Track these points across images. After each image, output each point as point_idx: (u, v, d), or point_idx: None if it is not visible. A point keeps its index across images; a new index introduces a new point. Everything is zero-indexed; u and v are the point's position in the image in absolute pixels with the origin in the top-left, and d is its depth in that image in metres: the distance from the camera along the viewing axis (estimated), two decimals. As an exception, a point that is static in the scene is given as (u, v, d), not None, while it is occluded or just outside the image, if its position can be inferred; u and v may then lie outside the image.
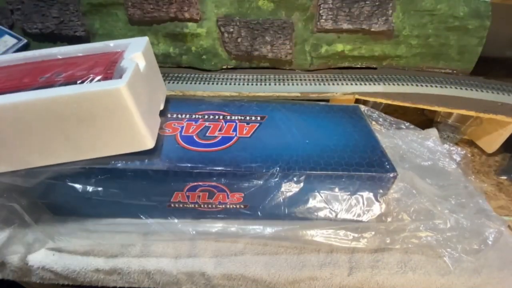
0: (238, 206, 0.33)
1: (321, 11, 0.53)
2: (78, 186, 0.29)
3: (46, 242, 0.31)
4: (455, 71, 0.58)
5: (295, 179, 0.30)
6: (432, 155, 0.43)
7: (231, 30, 0.53)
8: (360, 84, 0.52)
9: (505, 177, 0.48)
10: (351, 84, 0.52)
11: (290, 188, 0.31)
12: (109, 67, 0.28)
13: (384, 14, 0.52)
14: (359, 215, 0.34)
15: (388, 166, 0.31)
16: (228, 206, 0.33)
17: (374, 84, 0.52)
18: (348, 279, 0.32)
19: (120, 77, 0.26)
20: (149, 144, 0.29)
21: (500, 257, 0.33)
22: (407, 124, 0.44)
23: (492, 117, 0.46)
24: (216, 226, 0.33)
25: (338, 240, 0.32)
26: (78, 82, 0.26)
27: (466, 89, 0.52)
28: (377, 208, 0.33)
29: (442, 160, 0.42)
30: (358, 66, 0.58)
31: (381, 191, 0.32)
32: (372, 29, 0.53)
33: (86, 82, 0.26)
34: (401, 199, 0.34)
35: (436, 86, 0.52)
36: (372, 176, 0.31)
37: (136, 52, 0.30)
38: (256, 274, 0.31)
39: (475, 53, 0.55)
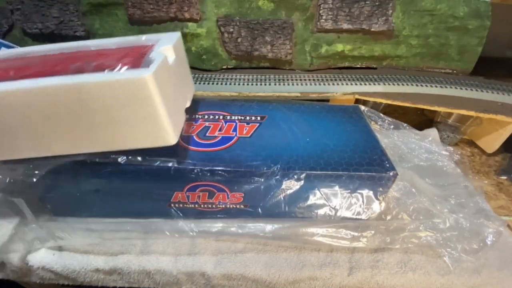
0: (238, 206, 0.33)
1: (321, 11, 0.53)
2: (78, 180, 0.29)
3: (46, 241, 0.31)
4: (455, 71, 0.58)
5: (295, 177, 0.30)
6: (431, 155, 0.43)
7: (231, 30, 0.54)
8: (360, 84, 0.52)
9: (505, 177, 0.48)
10: (351, 84, 0.52)
11: (290, 188, 0.31)
12: (138, 58, 0.28)
13: (384, 14, 0.52)
14: (359, 214, 0.34)
15: (388, 165, 0.31)
16: (228, 206, 0.33)
17: (374, 84, 0.52)
18: (348, 279, 0.32)
19: (148, 67, 0.25)
20: (172, 140, 0.27)
21: (500, 257, 0.33)
22: (405, 125, 0.44)
23: (492, 117, 0.46)
24: (216, 225, 0.33)
25: (338, 239, 0.32)
26: (106, 71, 0.26)
27: (466, 89, 0.52)
28: (377, 207, 0.33)
29: (441, 160, 0.42)
30: (358, 66, 0.58)
31: (381, 189, 0.32)
32: (372, 29, 0.53)
33: (115, 71, 0.25)
34: (401, 198, 0.34)
35: (436, 86, 0.52)
36: (372, 176, 0.31)
37: (166, 45, 0.30)
38: (256, 274, 0.31)
39: (475, 53, 0.55)
